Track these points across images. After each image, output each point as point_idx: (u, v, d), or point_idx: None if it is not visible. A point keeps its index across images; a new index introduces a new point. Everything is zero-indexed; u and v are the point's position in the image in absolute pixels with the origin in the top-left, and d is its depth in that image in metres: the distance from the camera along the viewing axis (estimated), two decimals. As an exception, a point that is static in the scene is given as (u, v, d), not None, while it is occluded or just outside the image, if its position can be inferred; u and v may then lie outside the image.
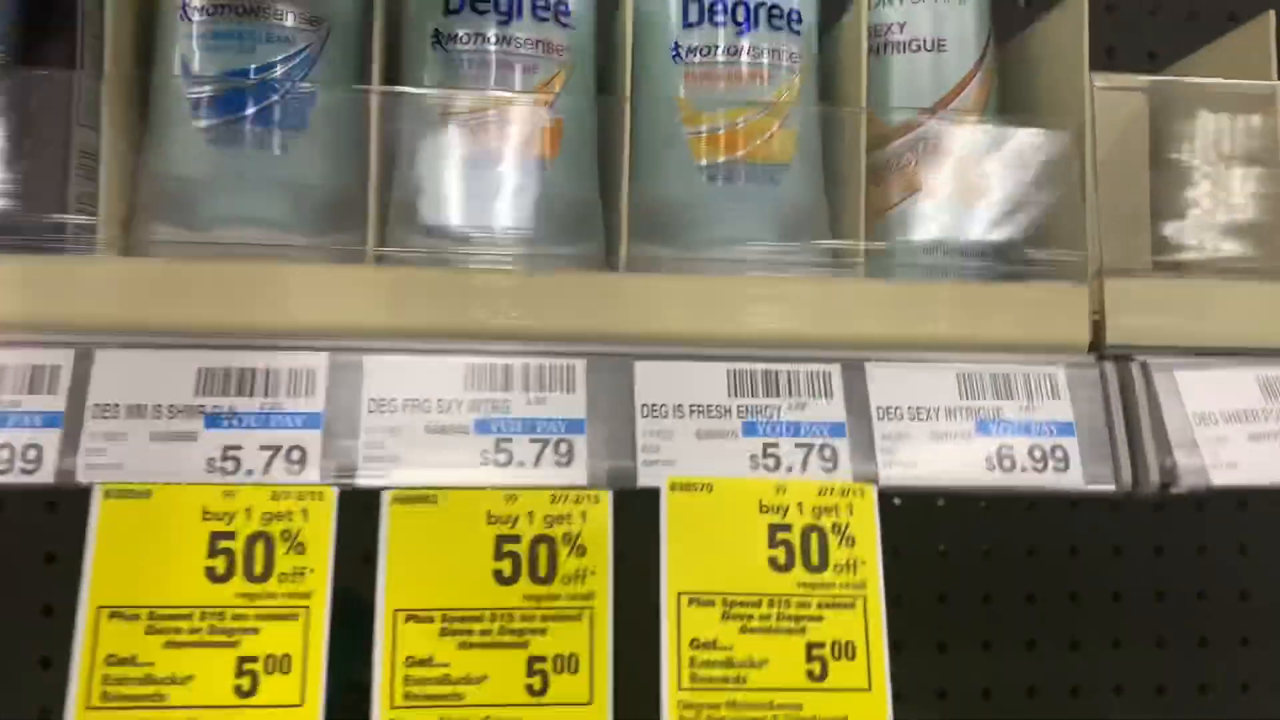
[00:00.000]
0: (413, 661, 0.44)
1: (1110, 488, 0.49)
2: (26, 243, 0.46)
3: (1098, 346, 0.52)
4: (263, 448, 0.45)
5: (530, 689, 0.44)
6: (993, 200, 0.53)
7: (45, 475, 0.43)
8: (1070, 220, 0.52)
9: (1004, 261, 0.53)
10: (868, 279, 0.52)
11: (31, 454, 0.44)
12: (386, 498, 0.45)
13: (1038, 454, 0.49)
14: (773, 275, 0.51)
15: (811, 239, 0.54)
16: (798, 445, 0.48)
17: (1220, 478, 0.49)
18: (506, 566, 0.45)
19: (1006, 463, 0.49)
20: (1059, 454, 0.49)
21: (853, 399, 0.49)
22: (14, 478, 0.43)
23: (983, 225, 0.54)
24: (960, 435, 0.49)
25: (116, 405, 0.45)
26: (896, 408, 0.49)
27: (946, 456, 0.49)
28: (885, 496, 0.46)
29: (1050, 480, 0.49)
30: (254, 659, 0.43)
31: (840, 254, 0.53)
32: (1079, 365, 0.51)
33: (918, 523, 0.94)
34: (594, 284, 0.49)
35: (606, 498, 0.46)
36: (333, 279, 0.48)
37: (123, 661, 0.42)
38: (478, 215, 0.50)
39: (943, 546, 0.95)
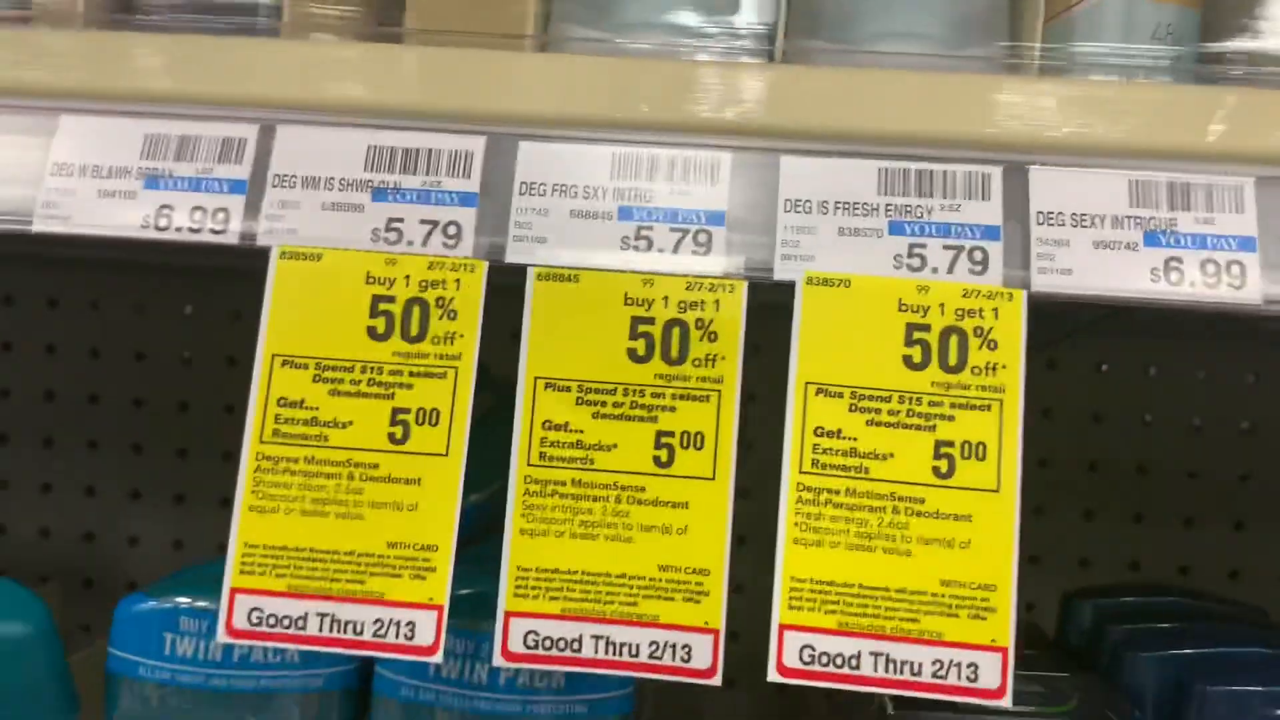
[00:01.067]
0: (550, 425, 0.46)
1: (1293, 309, 0.45)
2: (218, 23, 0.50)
3: (1298, 159, 0.47)
4: (422, 221, 0.48)
5: (657, 460, 0.46)
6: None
7: (231, 236, 0.48)
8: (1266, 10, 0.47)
9: (1203, 63, 0.49)
10: (1042, 77, 0.49)
11: (220, 216, 0.48)
12: (531, 273, 0.47)
13: (1210, 268, 0.46)
14: (937, 71, 0.49)
15: (985, 35, 0.51)
16: (946, 247, 0.47)
17: None
18: (640, 346, 0.47)
19: (1174, 275, 0.46)
20: (1235, 270, 0.46)
21: (1012, 202, 0.47)
22: (204, 237, 0.48)
23: (1166, 20, 0.49)
24: (1126, 245, 0.46)
25: (294, 176, 0.48)
26: (1059, 213, 0.47)
27: (1108, 266, 0.46)
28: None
29: (1222, 295, 0.45)
30: (406, 411, 0.46)
31: (1016, 51, 0.50)
32: (1274, 179, 0.47)
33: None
34: (744, 74, 0.48)
35: (741, 287, 0.47)
36: (497, 63, 0.49)
37: (292, 404, 0.47)
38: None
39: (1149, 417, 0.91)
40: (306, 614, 0.45)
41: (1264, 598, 0.89)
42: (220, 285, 0.93)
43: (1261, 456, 0.90)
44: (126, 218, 0.49)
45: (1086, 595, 0.68)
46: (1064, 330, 0.79)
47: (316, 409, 0.46)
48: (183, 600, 0.53)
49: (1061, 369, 0.91)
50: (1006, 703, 0.43)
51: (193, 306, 0.94)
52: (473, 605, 0.51)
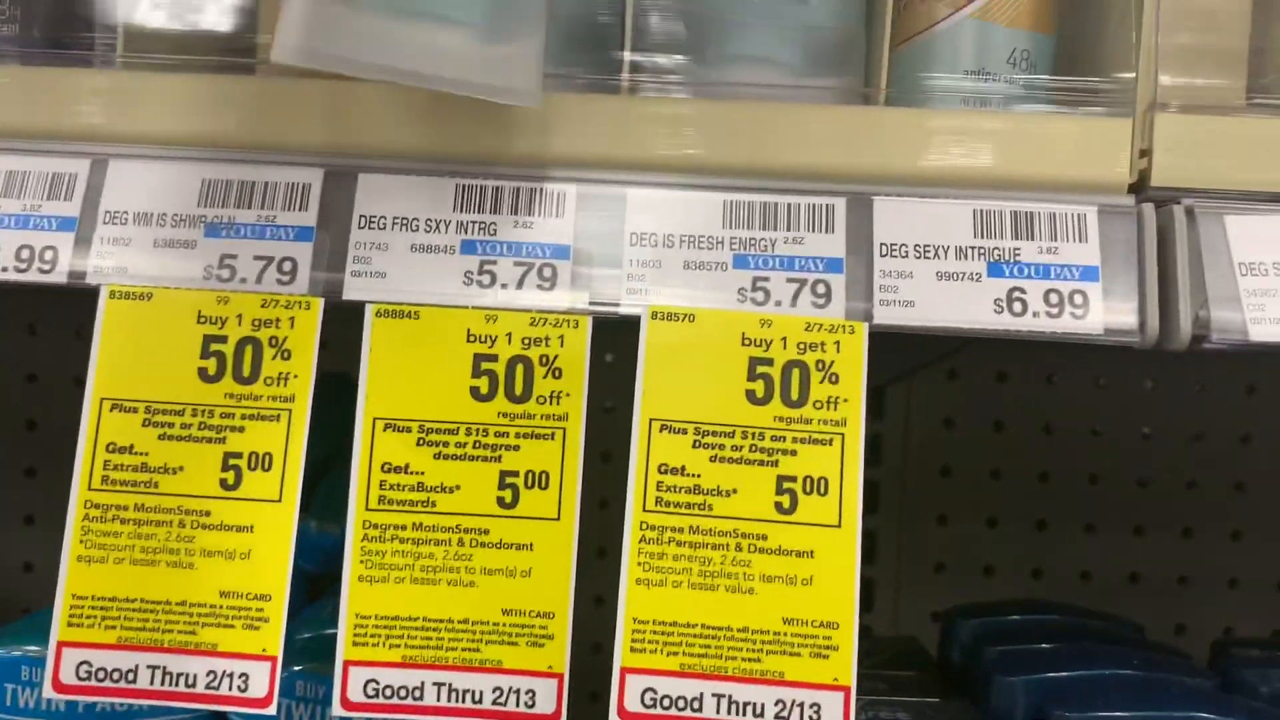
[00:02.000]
0: (389, 468, 0.45)
1: (1134, 339, 0.46)
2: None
3: (1141, 188, 0.48)
4: (256, 257, 0.47)
5: (501, 501, 0.45)
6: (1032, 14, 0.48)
7: (59, 276, 0.46)
8: (1118, 41, 0.47)
9: (1043, 88, 0.49)
10: (890, 107, 0.49)
11: (48, 255, 0.47)
12: (369, 310, 0.46)
13: (1054, 298, 0.46)
14: (786, 102, 0.48)
15: (839, 62, 0.50)
16: (790, 280, 0.46)
17: (1261, 333, 0.45)
18: (484, 384, 0.46)
19: (1017, 306, 0.46)
20: (1078, 299, 0.46)
21: (856, 234, 0.47)
22: (31, 276, 0.46)
23: (1021, 46, 0.49)
24: (969, 276, 0.46)
25: (125, 212, 0.47)
26: (902, 245, 0.47)
27: (950, 297, 0.46)
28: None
29: (1065, 326, 0.46)
30: (239, 455, 0.45)
31: (868, 79, 0.50)
32: (1115, 207, 0.47)
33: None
34: (589, 104, 0.48)
35: (586, 322, 0.46)
36: (335, 93, 0.48)
37: (121, 449, 0.45)
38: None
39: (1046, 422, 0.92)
40: (137, 666, 0.44)
41: (1155, 602, 0.91)
42: (65, 304, 0.90)
43: (1159, 461, 0.91)
44: (-50, 257, 0.47)
45: (970, 613, 0.68)
46: (922, 359, 0.79)
47: (146, 454, 0.45)
48: (31, 649, 0.51)
49: (961, 378, 0.92)
50: (850, 743, 0.42)
51: (41, 325, 0.91)
52: (323, 648, 0.50)
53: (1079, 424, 0.92)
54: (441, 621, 0.44)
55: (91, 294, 0.49)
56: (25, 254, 0.46)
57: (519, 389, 0.46)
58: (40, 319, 0.92)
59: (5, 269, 0.46)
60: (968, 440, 0.92)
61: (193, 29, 0.51)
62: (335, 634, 0.50)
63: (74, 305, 0.88)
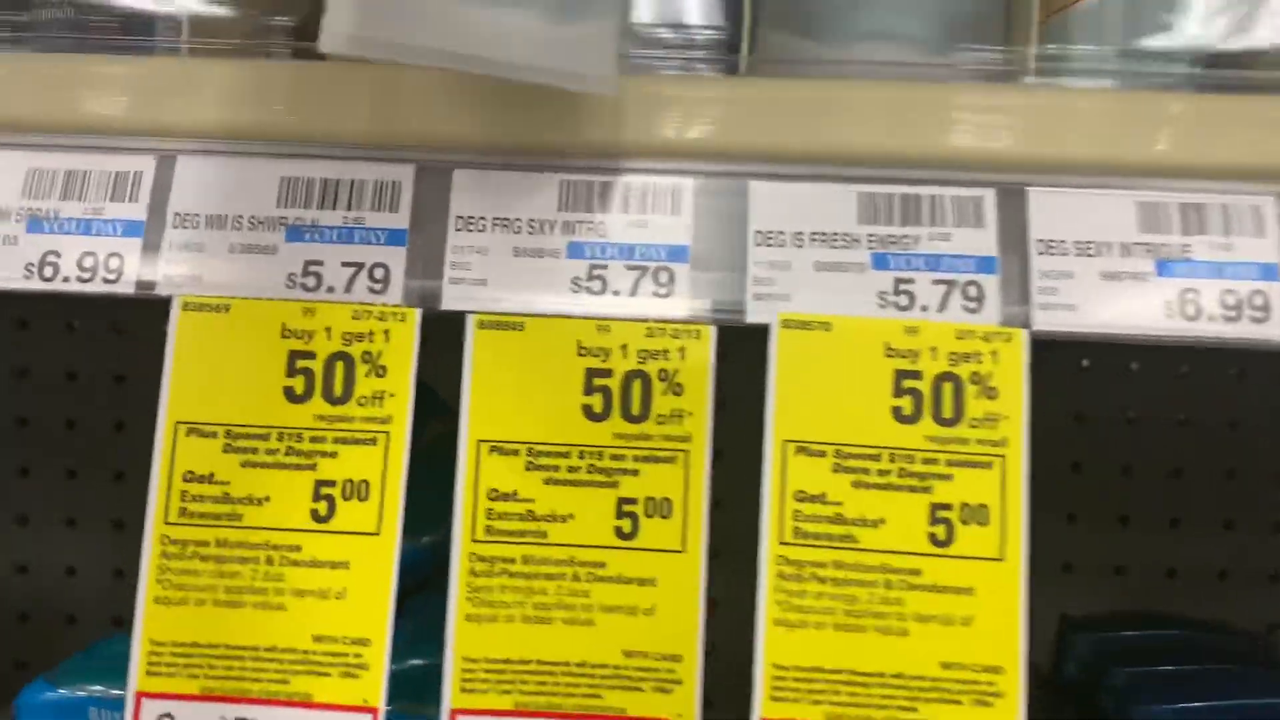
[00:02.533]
0: (496, 495, 0.41)
1: (1325, 345, 0.41)
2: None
3: (1326, 174, 0.43)
4: (344, 264, 0.42)
5: (619, 531, 0.41)
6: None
7: (126, 286, 0.42)
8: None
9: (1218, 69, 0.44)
10: (1033, 87, 0.44)
11: (113, 263, 0.42)
12: (470, 321, 0.41)
13: (1230, 300, 0.41)
14: (921, 81, 0.43)
15: (976, 37, 0.45)
16: (936, 281, 0.41)
17: None
18: (597, 402, 0.41)
19: (1190, 309, 0.41)
20: (1258, 301, 0.41)
21: (1009, 229, 0.42)
22: (96, 287, 0.42)
23: (1195, 23, 0.44)
24: (1135, 275, 0.41)
25: (197, 215, 0.43)
26: (1060, 241, 0.42)
27: (1116, 300, 0.41)
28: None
29: (1244, 332, 0.41)
30: (331, 483, 0.41)
31: (1011, 56, 0.45)
32: (1297, 196, 0.42)
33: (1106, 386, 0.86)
34: (704, 88, 0.43)
35: (709, 332, 0.41)
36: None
37: (200, 479, 0.41)
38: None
39: (1132, 414, 0.87)
40: (223, 718, 0.40)
41: (1252, 599, 0.86)
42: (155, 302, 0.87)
43: (1249, 453, 0.86)
44: (7, 267, 0.42)
45: (1085, 627, 0.63)
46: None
47: (228, 484, 0.41)
48: (96, 689, 0.47)
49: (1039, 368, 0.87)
50: (1009, 802, 0.38)
51: (125, 323, 0.88)
52: (423, 684, 0.46)
53: (1163, 415, 0.87)
54: (557, 665, 0.40)
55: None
56: (89, 263, 0.42)
57: (636, 407, 0.41)
58: (77, 315, 0.88)
59: (68, 279, 0.42)
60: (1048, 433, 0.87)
61: (262, 11, 0.47)
62: (425, 665, 0.46)
63: (110, 301, 0.85)
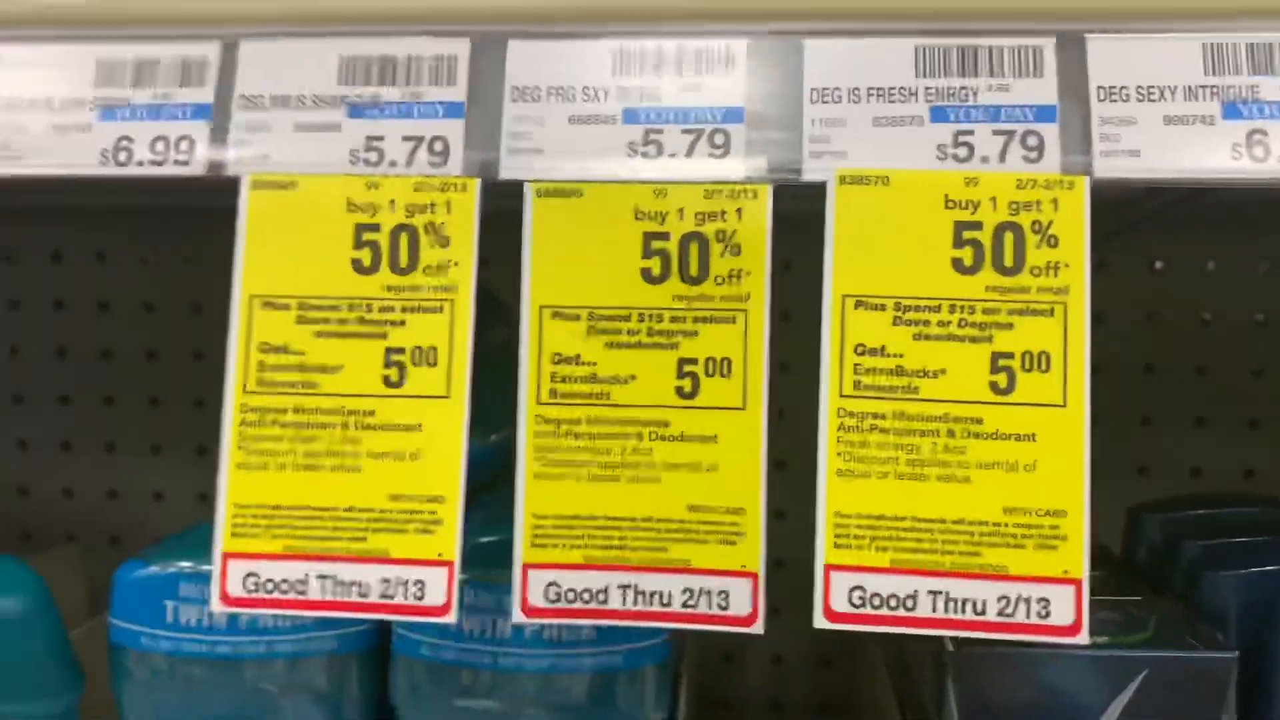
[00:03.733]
0: (559, 358, 0.42)
1: (1400, 182, 0.40)
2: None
3: (1402, 8, 0.41)
4: (405, 138, 0.43)
5: (680, 391, 0.41)
6: None
7: (197, 167, 0.43)
8: None
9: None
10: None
11: (184, 145, 0.44)
12: (529, 190, 0.42)
13: (1303, 140, 0.40)
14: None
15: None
16: (996, 132, 0.41)
17: None
18: (655, 265, 0.42)
19: (1259, 150, 0.40)
20: (1332, 139, 0.40)
21: (1068, 78, 0.41)
22: (169, 169, 0.43)
23: None
24: (1201, 119, 0.41)
25: (262, 96, 0.44)
26: (1122, 87, 0.41)
27: (1181, 144, 0.40)
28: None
29: (1317, 171, 0.40)
30: (401, 350, 0.42)
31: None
32: (1372, 31, 0.41)
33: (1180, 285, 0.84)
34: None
35: (765, 191, 0.41)
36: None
37: (275, 349, 0.43)
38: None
39: (1207, 315, 0.85)
40: (307, 576, 0.41)
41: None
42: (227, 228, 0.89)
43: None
44: (83, 153, 0.44)
45: (1153, 509, 0.63)
46: (1118, 225, 0.73)
47: (303, 353, 0.42)
48: (184, 565, 0.49)
49: (1112, 268, 0.85)
50: (1083, 639, 0.38)
51: (198, 251, 0.90)
52: (494, 555, 0.47)
53: (1240, 315, 0.85)
54: (623, 520, 0.41)
55: (204, 214, 0.46)
56: (160, 146, 0.44)
57: (694, 269, 0.42)
58: (150, 246, 0.90)
59: (141, 162, 0.43)
60: (1120, 335, 0.86)
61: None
62: (497, 541, 0.47)
63: (183, 230, 0.87)
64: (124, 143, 0.44)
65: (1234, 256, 0.84)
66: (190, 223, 0.89)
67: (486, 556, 0.47)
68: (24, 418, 0.92)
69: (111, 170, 0.43)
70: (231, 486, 0.42)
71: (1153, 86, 0.41)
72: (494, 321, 0.47)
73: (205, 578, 0.48)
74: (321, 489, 0.42)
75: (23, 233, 0.91)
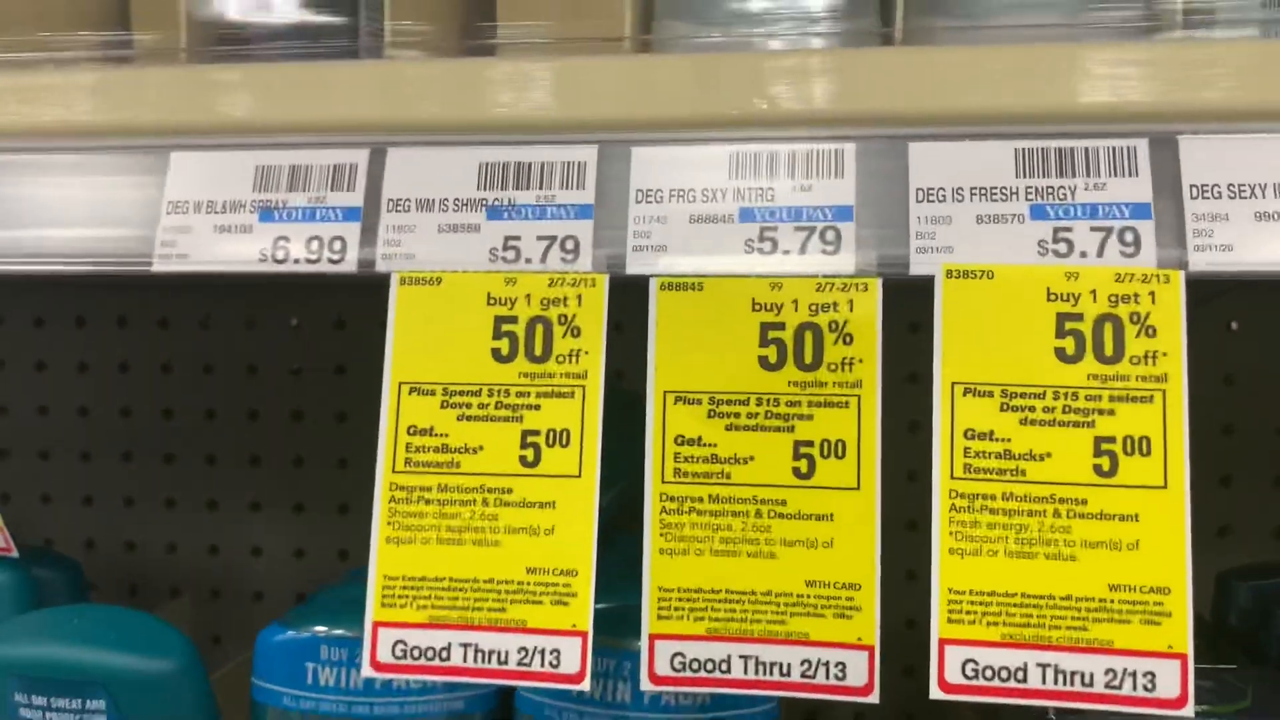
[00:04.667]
0: (682, 440, 0.45)
1: None
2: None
3: None
4: (539, 238, 0.47)
5: (797, 471, 0.44)
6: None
7: (349, 265, 0.47)
8: None
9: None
10: (1182, 41, 0.46)
11: (337, 245, 0.48)
12: (654, 284, 0.46)
13: (1391, 234, 0.42)
14: (1067, 42, 0.46)
15: None
16: (1094, 229, 0.44)
17: None
18: (772, 353, 0.45)
19: (1349, 244, 0.42)
20: None
21: (1161, 177, 0.44)
22: (323, 267, 0.47)
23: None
24: (1291, 214, 0.43)
25: (408, 199, 0.48)
26: (1214, 185, 0.44)
27: (1272, 238, 0.43)
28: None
29: (1406, 264, 0.42)
30: (536, 433, 0.45)
31: (1152, 11, 0.47)
32: None
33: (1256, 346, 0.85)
34: (866, 60, 0.46)
35: (875, 285, 0.44)
36: (600, 69, 0.48)
37: (422, 432, 0.46)
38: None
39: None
40: (450, 645, 0.45)
41: None
42: (324, 294, 0.93)
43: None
44: (244, 252, 0.48)
45: (1243, 575, 0.64)
46: (1200, 296, 0.75)
47: (446, 435, 0.46)
48: (321, 629, 0.53)
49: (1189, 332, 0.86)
50: (1188, 713, 0.40)
51: (298, 318, 0.94)
52: (612, 622, 0.50)
53: None
54: (745, 594, 0.44)
55: (347, 285, 0.50)
56: (315, 245, 0.48)
57: (809, 357, 0.45)
58: (257, 309, 0.95)
59: (298, 260, 0.47)
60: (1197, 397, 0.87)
61: (445, 11, 0.52)
62: (620, 607, 0.50)
63: (330, 297, 0.91)
64: (281, 242, 0.48)
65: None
66: (290, 289, 0.93)
67: (604, 624, 0.50)
68: (131, 476, 0.97)
69: (270, 268, 0.47)
70: (381, 559, 0.45)
71: (1243, 184, 0.43)
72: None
73: (342, 642, 0.52)
74: (463, 562, 0.45)
75: (135, 300, 0.96)
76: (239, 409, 0.95)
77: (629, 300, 0.46)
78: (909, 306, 0.45)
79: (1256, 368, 0.85)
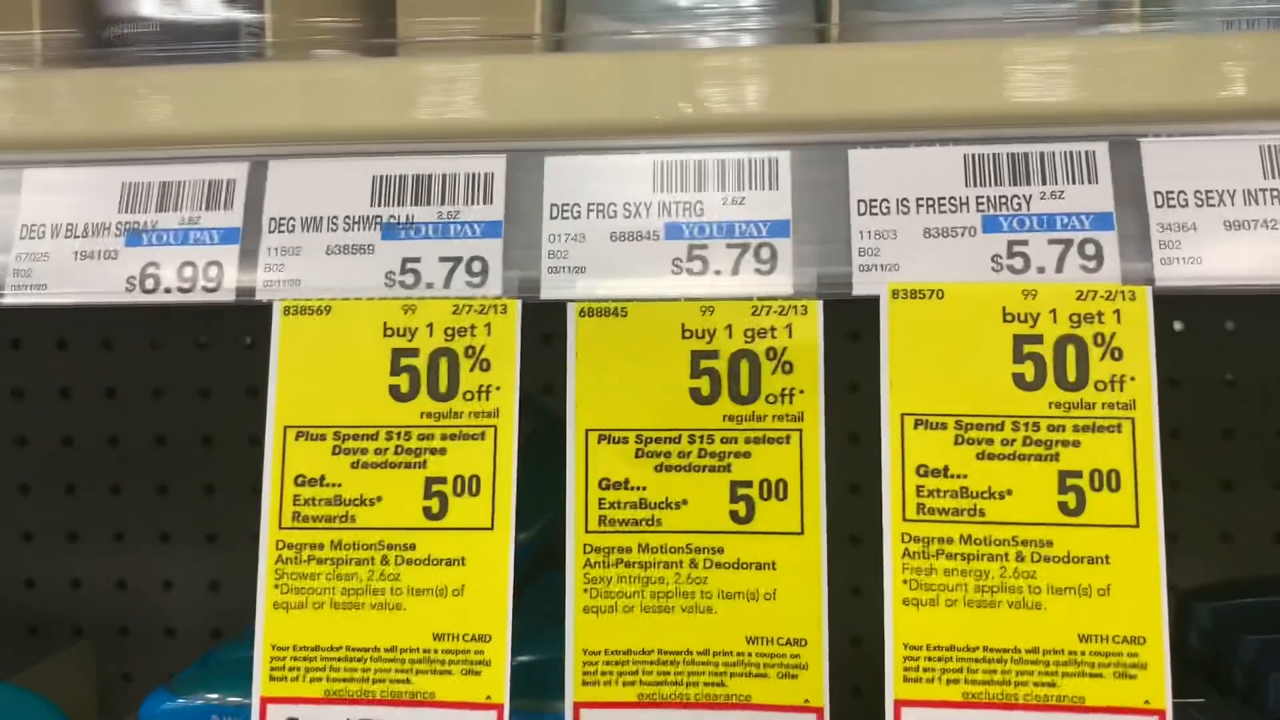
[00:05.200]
0: (607, 484, 0.40)
1: None
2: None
3: None
4: (442, 259, 0.42)
5: (735, 515, 0.40)
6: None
7: (226, 294, 0.42)
8: None
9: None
10: (1140, 35, 0.42)
11: (212, 271, 0.42)
12: (572, 310, 0.41)
13: (1370, 243, 0.39)
14: (1017, 37, 0.42)
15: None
16: (1052, 241, 0.40)
17: None
18: (704, 384, 0.40)
19: (1327, 255, 0.39)
20: (1400, 243, 0.39)
21: (1123, 184, 0.40)
22: (197, 296, 0.42)
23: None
24: (1264, 223, 0.39)
25: (292, 219, 0.42)
26: (1180, 192, 0.40)
27: (1244, 250, 0.39)
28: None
29: (1387, 276, 0.39)
30: (442, 480, 0.40)
31: (1111, 4, 0.43)
32: None
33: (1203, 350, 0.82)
34: (800, 59, 0.42)
35: (815, 307, 0.40)
36: (513, 69, 0.43)
37: (311, 482, 0.41)
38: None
39: (1230, 376, 0.84)
40: (348, 721, 0.40)
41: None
42: (233, 311, 0.88)
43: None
44: (109, 280, 0.43)
45: (1203, 597, 0.61)
46: None
47: (339, 485, 0.41)
48: (212, 697, 0.47)
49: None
50: (1169, 774, 0.36)
51: (207, 337, 0.89)
52: (534, 681, 0.45)
53: (1263, 376, 0.83)
54: (679, 654, 0.39)
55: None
56: (188, 272, 0.42)
57: (745, 388, 0.40)
58: (160, 332, 0.89)
59: (169, 290, 0.42)
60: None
61: (331, 14, 0.46)
62: (536, 660, 0.45)
63: (240, 316, 0.86)
64: (150, 269, 0.42)
65: (1252, 315, 0.82)
66: (198, 309, 0.88)
67: (532, 681, 0.45)
68: (29, 508, 0.90)
69: (139, 298, 0.42)
70: (268, 627, 0.40)
71: (1211, 191, 0.40)
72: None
73: (236, 711, 0.46)
74: (361, 628, 0.40)
75: (28, 320, 0.90)
76: (145, 434, 0.89)
77: (558, 312, 0.41)
78: (850, 314, 0.41)
79: (1202, 369, 0.83)
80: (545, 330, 0.40)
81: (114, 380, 0.90)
